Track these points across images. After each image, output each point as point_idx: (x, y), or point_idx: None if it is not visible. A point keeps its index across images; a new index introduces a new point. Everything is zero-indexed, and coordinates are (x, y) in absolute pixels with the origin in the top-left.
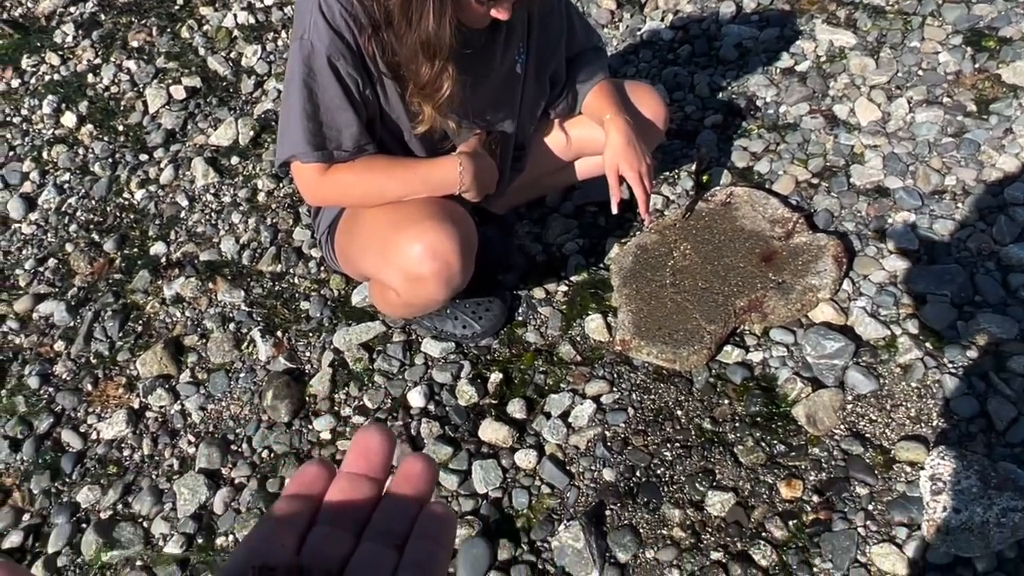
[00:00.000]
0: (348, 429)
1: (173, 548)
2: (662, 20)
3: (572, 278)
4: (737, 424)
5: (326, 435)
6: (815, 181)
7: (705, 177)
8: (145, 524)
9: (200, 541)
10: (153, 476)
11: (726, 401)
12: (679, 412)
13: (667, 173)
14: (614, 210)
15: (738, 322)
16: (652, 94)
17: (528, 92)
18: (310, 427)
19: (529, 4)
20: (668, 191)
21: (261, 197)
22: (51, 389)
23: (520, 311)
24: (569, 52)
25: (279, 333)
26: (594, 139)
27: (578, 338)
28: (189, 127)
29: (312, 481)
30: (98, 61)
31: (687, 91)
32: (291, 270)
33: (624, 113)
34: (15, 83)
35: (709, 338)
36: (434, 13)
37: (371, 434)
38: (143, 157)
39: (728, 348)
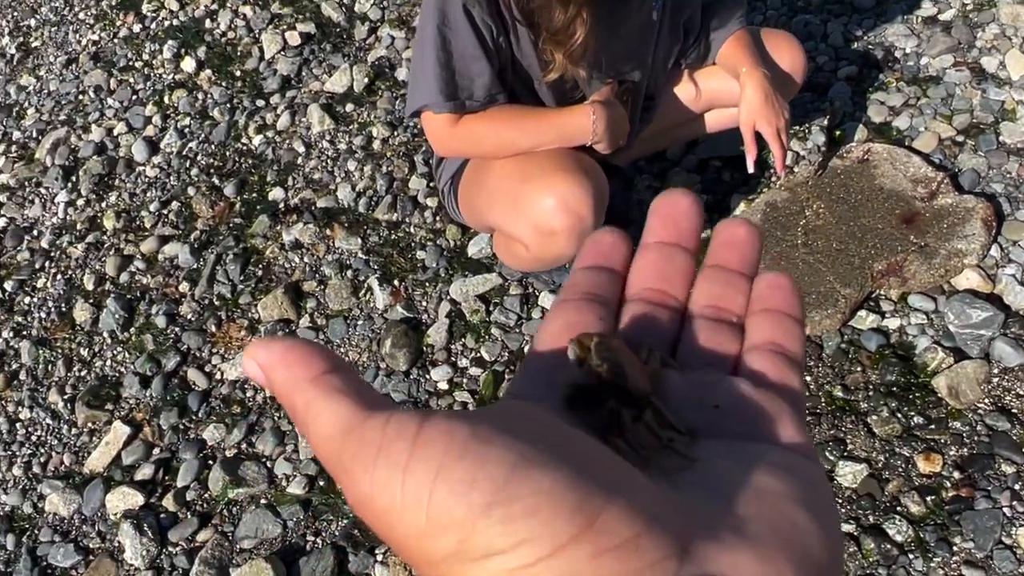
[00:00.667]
0: (465, 380)
1: (296, 488)
2: None
3: None
4: (871, 393)
5: (443, 385)
6: (960, 139)
7: (838, 132)
8: (268, 464)
9: (322, 483)
10: (275, 418)
11: (859, 369)
12: (808, 378)
13: (797, 128)
14: (750, 168)
15: (875, 286)
16: (791, 44)
17: (662, 40)
18: (427, 377)
19: None
20: (799, 146)
21: (376, 145)
22: (177, 329)
23: None
24: None
25: (396, 282)
26: (727, 90)
27: None
28: (304, 73)
29: (610, 251)
30: (215, 7)
31: (819, 40)
32: (407, 219)
33: (762, 66)
34: (136, 28)
35: (843, 302)
36: None
37: (677, 196)
38: (260, 103)
39: (862, 313)
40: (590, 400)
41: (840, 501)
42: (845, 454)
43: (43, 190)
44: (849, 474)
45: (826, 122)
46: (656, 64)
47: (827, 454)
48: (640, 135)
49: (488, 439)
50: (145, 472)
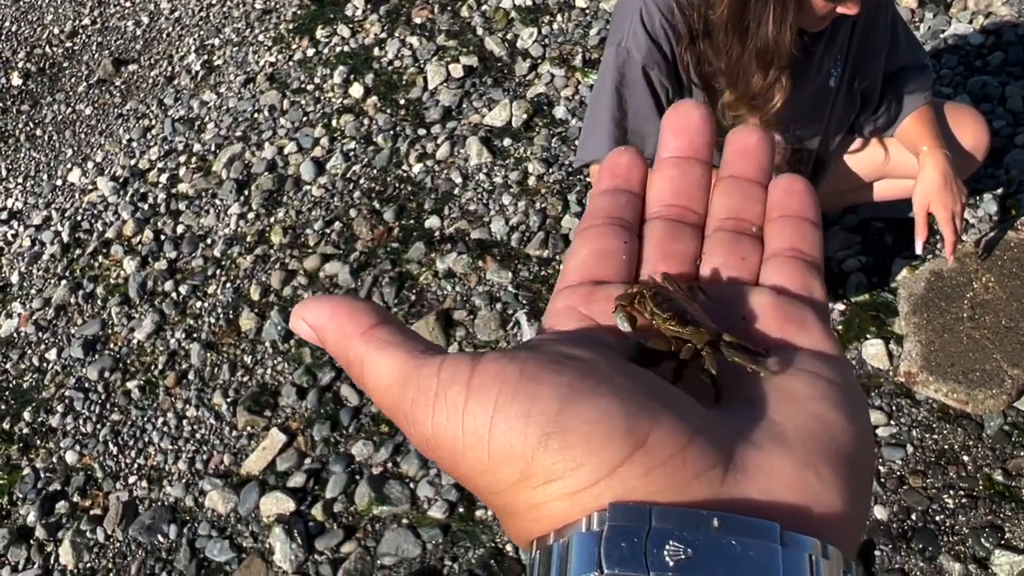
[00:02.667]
0: None
1: (436, 512)
2: (971, 22)
3: (851, 297)
4: None
5: None
6: None
7: (1011, 204)
8: (412, 485)
9: (461, 510)
10: None
11: (1023, 453)
12: (965, 458)
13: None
14: (918, 250)
15: None
16: (976, 121)
17: (838, 107)
18: None
19: (868, 4)
20: (969, 215)
21: (532, 181)
22: None
23: None
24: (889, 67)
25: (543, 318)
26: (901, 163)
27: (854, 362)
28: (464, 105)
29: (627, 172)
30: (383, 35)
31: (996, 103)
32: (558, 256)
33: (943, 145)
34: (310, 52)
35: (1010, 383)
36: (774, 19)
37: (688, 109)
38: (421, 131)
39: None
40: (655, 354)
41: None
42: (1002, 543)
43: (218, 201)
44: (1006, 564)
45: (1000, 191)
46: (830, 130)
47: (983, 540)
48: None
49: (537, 376)
50: (297, 480)
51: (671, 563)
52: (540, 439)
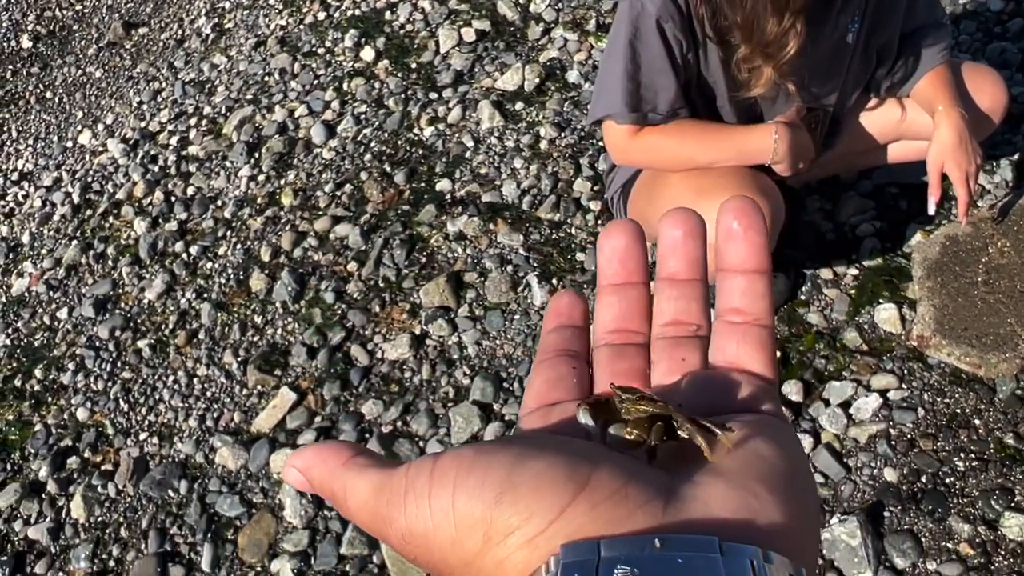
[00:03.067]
0: None
1: None
2: None
3: (864, 262)
4: None
5: None
6: None
7: None
8: (422, 444)
9: None
10: (430, 400)
11: None
12: (977, 421)
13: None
14: (931, 211)
15: None
16: (994, 82)
17: (855, 64)
18: None
19: None
20: (985, 180)
21: (543, 145)
22: (344, 306)
23: (803, 290)
24: (907, 26)
25: (555, 281)
26: (917, 123)
27: (866, 326)
28: (477, 69)
29: (569, 310)
30: None
31: (1015, 70)
32: (569, 220)
33: (959, 106)
34: (321, 15)
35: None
36: None
37: (614, 233)
38: (433, 95)
39: None
40: (627, 442)
41: (1004, 553)
42: (1012, 505)
43: (228, 163)
44: (1016, 526)
45: (1017, 157)
46: (846, 88)
47: (992, 503)
48: (820, 159)
49: (489, 451)
50: (307, 437)
51: None
52: (495, 499)
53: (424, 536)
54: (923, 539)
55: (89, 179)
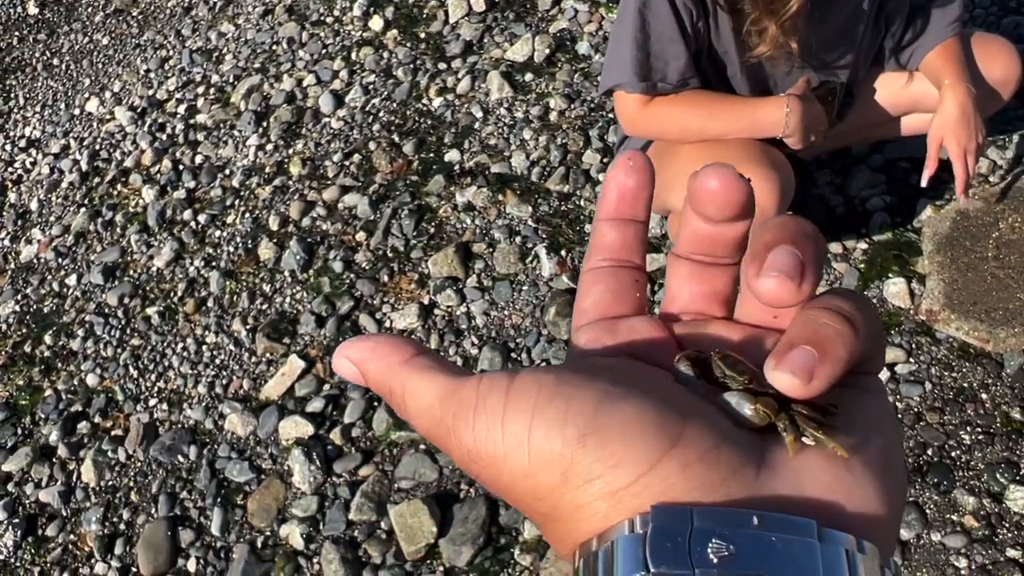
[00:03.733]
0: None
1: None
2: None
3: (874, 236)
4: None
5: None
6: None
7: None
8: None
9: None
10: None
11: None
12: (984, 396)
13: (998, 136)
14: (924, 183)
15: None
16: (1007, 53)
17: (868, 32)
18: None
19: None
20: (996, 155)
21: (553, 116)
22: (352, 275)
23: None
24: None
25: (563, 252)
26: (930, 96)
27: (875, 300)
28: (486, 40)
29: (635, 197)
30: None
31: None
32: (578, 191)
33: (967, 80)
34: None
35: None
36: None
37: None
38: (442, 66)
39: None
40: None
41: (1008, 526)
42: (1017, 478)
43: (236, 132)
44: (1020, 499)
45: None
46: (859, 57)
47: (998, 476)
48: (831, 131)
49: (572, 382)
50: (316, 405)
51: (715, 560)
52: (578, 439)
53: (492, 459)
54: (928, 511)
55: (97, 147)
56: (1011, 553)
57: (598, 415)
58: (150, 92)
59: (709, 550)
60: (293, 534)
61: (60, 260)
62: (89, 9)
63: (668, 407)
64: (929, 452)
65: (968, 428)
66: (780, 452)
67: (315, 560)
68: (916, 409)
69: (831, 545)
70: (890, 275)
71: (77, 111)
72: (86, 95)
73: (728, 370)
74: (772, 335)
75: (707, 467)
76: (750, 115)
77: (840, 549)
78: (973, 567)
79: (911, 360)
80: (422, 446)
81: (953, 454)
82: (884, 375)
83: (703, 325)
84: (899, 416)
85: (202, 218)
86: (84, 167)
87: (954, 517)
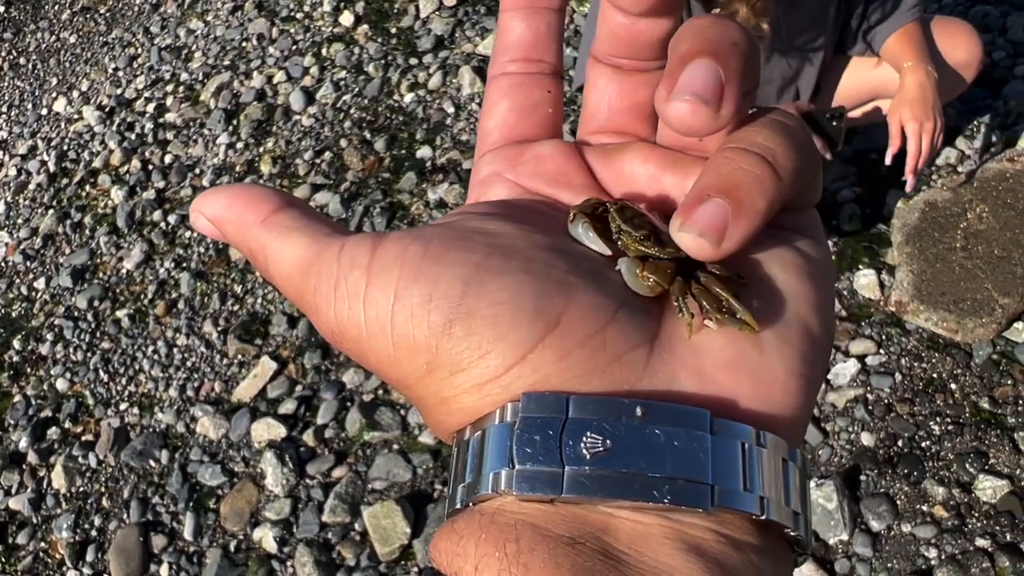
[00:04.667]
0: None
1: (427, 438)
2: None
3: (844, 227)
4: (1020, 408)
5: None
6: None
7: (1008, 135)
8: (403, 412)
9: None
10: None
11: (1009, 382)
12: (953, 386)
13: (965, 126)
14: (887, 160)
15: None
16: (969, 34)
17: (838, 15)
18: None
19: None
20: (964, 145)
21: None
22: None
23: None
24: None
25: None
26: (892, 81)
27: (845, 292)
28: (457, 34)
29: None
30: None
31: (997, 34)
32: None
33: (927, 63)
34: None
35: (1000, 312)
36: None
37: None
38: (413, 61)
39: (1019, 325)
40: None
41: (977, 515)
42: (986, 468)
43: (206, 131)
44: (989, 488)
45: (997, 121)
46: (830, 40)
47: (967, 466)
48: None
49: (441, 255)
50: (288, 407)
51: (588, 455)
52: (443, 326)
53: (357, 341)
54: (898, 502)
55: (65, 147)
56: (980, 542)
57: (466, 297)
58: (118, 91)
59: (583, 445)
60: (266, 537)
61: (28, 263)
62: (56, 7)
63: (549, 283)
64: (899, 443)
65: (938, 419)
66: (679, 325)
67: (289, 563)
68: (887, 400)
69: (724, 438)
70: (860, 267)
71: (44, 111)
72: (53, 95)
73: (624, 224)
74: (696, 164)
75: (589, 353)
76: None
77: (735, 443)
78: (943, 557)
79: (881, 351)
80: (395, 446)
81: (923, 444)
82: (854, 367)
83: (621, 151)
84: (869, 408)
85: (172, 219)
86: (52, 168)
87: (924, 508)
